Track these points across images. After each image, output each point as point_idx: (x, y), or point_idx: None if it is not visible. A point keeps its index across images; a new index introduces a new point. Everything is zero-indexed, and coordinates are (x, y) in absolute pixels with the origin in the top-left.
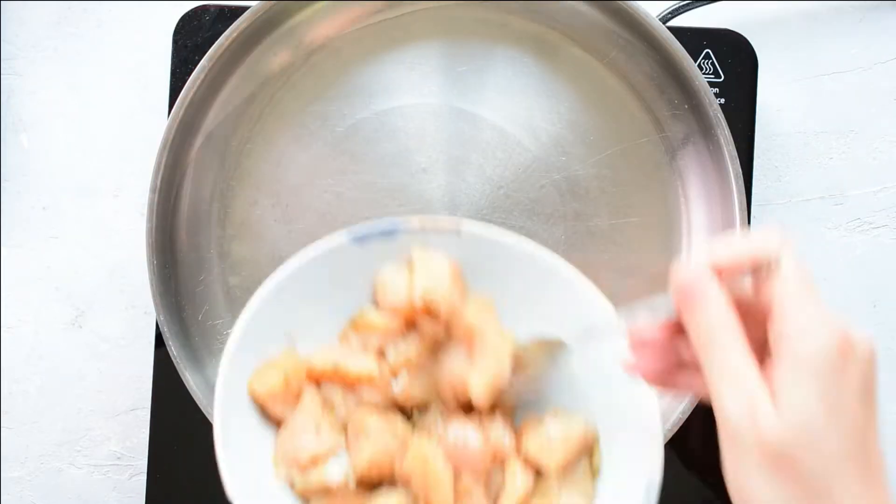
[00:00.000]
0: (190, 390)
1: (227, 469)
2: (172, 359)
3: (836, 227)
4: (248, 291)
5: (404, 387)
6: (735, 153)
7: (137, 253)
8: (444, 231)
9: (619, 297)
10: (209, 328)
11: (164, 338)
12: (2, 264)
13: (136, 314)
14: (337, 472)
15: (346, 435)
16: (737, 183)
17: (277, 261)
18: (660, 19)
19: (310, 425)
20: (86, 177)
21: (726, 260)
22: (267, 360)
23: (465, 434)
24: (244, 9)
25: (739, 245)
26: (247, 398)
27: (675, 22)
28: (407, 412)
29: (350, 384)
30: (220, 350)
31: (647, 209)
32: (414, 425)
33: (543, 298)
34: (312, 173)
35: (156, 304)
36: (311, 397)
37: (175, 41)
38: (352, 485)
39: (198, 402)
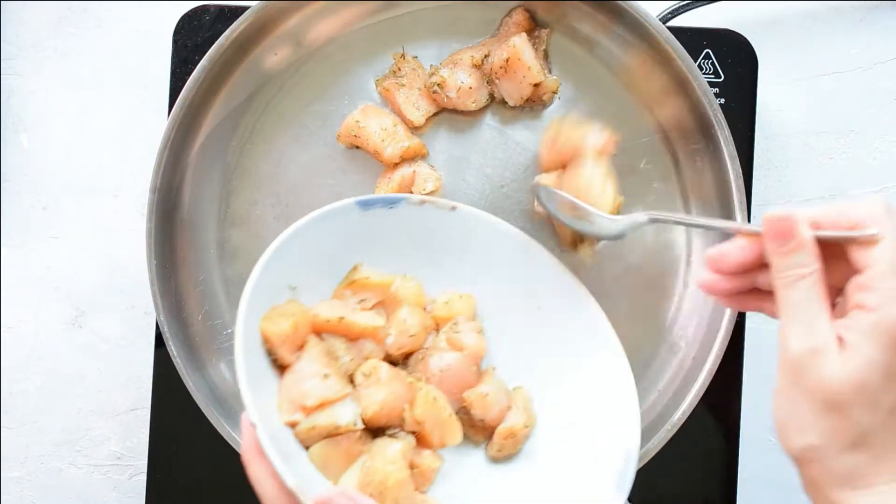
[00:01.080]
0: (190, 390)
1: (251, 404)
2: (172, 359)
3: None
4: None
5: (396, 340)
6: (735, 153)
7: (137, 253)
8: (441, 208)
9: (618, 296)
10: (209, 328)
11: (164, 338)
12: (2, 264)
13: (136, 314)
14: (347, 414)
15: (350, 384)
16: (737, 183)
17: None
18: (660, 19)
19: (317, 371)
20: (86, 177)
21: (828, 219)
22: (276, 307)
23: (445, 359)
24: (244, 9)
25: (844, 209)
26: (259, 342)
27: (675, 22)
28: (396, 362)
29: (354, 337)
30: (221, 350)
31: (647, 209)
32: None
33: (526, 273)
34: (312, 173)
35: (156, 304)
36: (315, 346)
37: (175, 41)
38: (360, 427)
39: (198, 402)
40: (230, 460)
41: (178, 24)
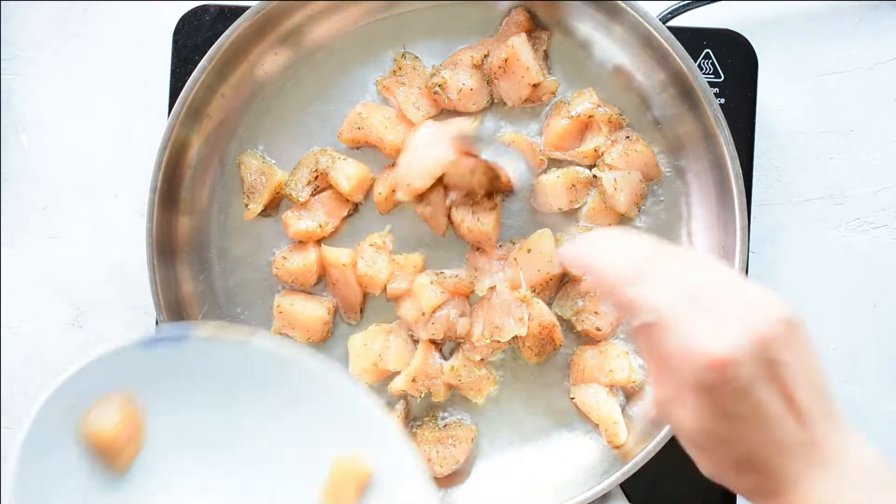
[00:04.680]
0: None
1: None
2: None
3: (837, 227)
4: (248, 291)
5: None
6: (735, 153)
7: (137, 253)
8: (233, 341)
9: None
10: None
11: None
12: (2, 264)
13: (136, 314)
14: None
15: None
16: (737, 183)
17: None
18: (660, 19)
19: None
20: (86, 177)
21: None
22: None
23: None
24: (244, 9)
25: None
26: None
27: (675, 22)
28: None
29: None
30: None
31: (647, 209)
32: None
33: (330, 412)
34: None
35: (156, 304)
36: None
37: (175, 41)
38: None
39: None
40: None
41: (178, 24)
